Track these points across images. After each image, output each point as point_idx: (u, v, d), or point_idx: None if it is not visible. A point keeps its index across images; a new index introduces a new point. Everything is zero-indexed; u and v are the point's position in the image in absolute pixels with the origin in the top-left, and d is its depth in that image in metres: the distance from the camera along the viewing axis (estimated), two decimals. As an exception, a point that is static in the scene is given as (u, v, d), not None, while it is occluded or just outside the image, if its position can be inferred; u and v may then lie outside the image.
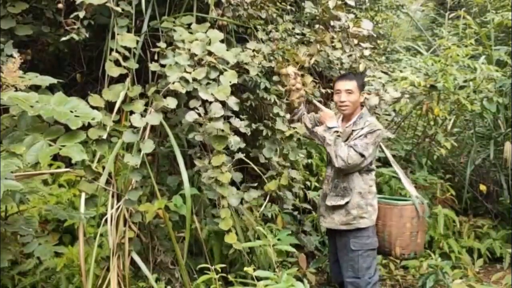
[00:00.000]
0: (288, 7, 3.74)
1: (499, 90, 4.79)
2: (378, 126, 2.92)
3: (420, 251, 3.11)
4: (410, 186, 3.13)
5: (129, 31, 3.03)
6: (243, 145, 2.97)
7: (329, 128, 2.95)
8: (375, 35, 4.17)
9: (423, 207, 3.05)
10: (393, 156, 5.19)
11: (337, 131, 2.92)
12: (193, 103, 2.89)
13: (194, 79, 2.86)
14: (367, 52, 3.53)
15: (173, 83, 2.81)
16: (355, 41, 3.52)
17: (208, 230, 3.27)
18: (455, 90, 4.70)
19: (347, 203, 2.93)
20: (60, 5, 2.94)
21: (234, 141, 2.90)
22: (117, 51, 2.90)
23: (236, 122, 2.96)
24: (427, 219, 4.49)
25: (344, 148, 2.85)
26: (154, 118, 2.80)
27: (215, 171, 2.86)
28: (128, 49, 2.98)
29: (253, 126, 3.32)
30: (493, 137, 5.01)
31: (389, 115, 5.69)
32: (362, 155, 2.82)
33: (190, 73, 2.87)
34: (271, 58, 3.41)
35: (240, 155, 3.00)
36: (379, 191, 4.42)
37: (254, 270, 2.42)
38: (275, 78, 3.53)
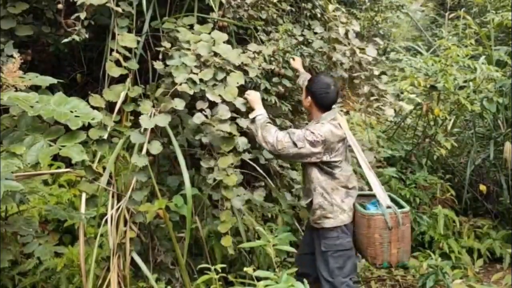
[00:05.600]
0: (288, 8, 3.74)
1: (499, 90, 4.79)
2: (321, 132, 2.81)
3: (398, 261, 2.88)
4: (383, 195, 2.90)
5: (129, 31, 3.04)
6: (249, 145, 2.97)
7: (253, 119, 2.89)
8: (378, 58, 4.24)
9: (396, 218, 2.81)
10: (393, 156, 5.21)
11: (261, 118, 2.87)
12: (200, 104, 2.89)
13: (201, 80, 2.87)
14: (376, 72, 3.64)
15: (180, 84, 2.81)
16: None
17: (208, 230, 3.28)
18: (455, 90, 4.70)
19: (311, 203, 2.93)
20: (59, 6, 2.94)
21: (242, 142, 2.91)
22: (117, 52, 2.91)
23: (243, 122, 2.96)
24: (427, 220, 4.51)
25: (275, 134, 2.79)
26: (162, 120, 2.80)
27: (221, 173, 2.85)
28: (129, 50, 2.99)
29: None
30: (493, 137, 5.01)
31: (388, 115, 5.69)
32: (295, 144, 2.77)
33: (197, 74, 2.88)
34: (272, 59, 3.42)
35: (248, 155, 3.00)
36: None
37: (254, 270, 2.42)
38: (275, 79, 3.54)
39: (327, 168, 2.87)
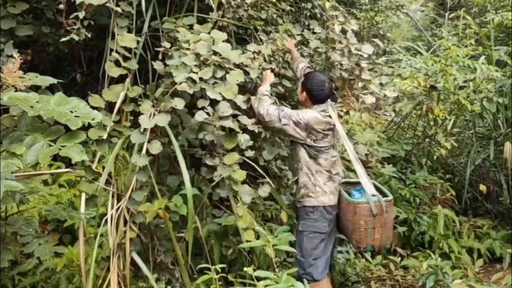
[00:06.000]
0: (288, 8, 3.74)
1: (499, 90, 4.79)
2: (305, 116, 3.06)
3: (381, 245, 3.11)
4: (369, 184, 3.08)
5: (129, 31, 3.04)
6: (251, 142, 3.01)
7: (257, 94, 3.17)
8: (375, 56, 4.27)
9: (380, 206, 2.99)
10: (393, 156, 5.21)
11: (260, 92, 3.14)
12: (201, 102, 2.92)
13: (201, 79, 2.88)
14: (364, 64, 3.72)
15: (180, 83, 2.82)
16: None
17: (208, 230, 3.28)
18: (455, 90, 4.70)
19: (296, 181, 3.17)
20: (61, 6, 2.94)
21: (244, 139, 2.94)
22: (117, 52, 2.91)
23: (244, 119, 2.99)
24: (427, 220, 4.51)
25: (267, 106, 3.06)
26: (162, 119, 2.81)
27: (227, 169, 2.89)
28: (129, 50, 2.99)
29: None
30: (493, 137, 5.01)
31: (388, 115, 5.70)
32: (280, 119, 3.04)
33: (196, 73, 2.89)
34: (272, 59, 3.42)
35: (251, 153, 3.05)
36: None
37: (254, 270, 2.42)
38: (275, 79, 3.54)
39: (312, 151, 3.10)
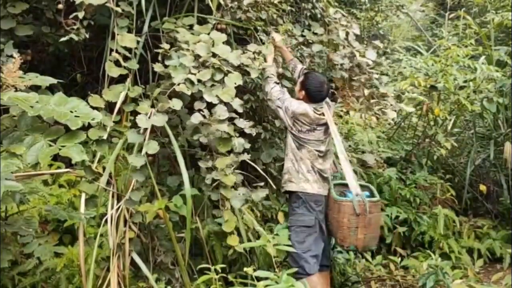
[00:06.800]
0: (288, 8, 3.74)
1: (499, 90, 4.79)
2: (295, 105, 3.19)
3: (364, 246, 3.15)
4: (354, 184, 3.15)
5: (129, 31, 3.03)
6: (247, 146, 2.99)
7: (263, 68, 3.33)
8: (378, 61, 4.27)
9: (363, 206, 3.06)
10: (393, 156, 5.21)
11: (266, 71, 3.32)
12: (198, 104, 2.90)
13: (199, 81, 2.87)
14: (376, 76, 3.78)
15: (178, 84, 2.81)
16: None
17: (209, 231, 3.27)
18: (455, 91, 4.71)
19: (282, 166, 3.35)
20: (60, 6, 2.94)
21: (238, 143, 2.93)
22: (117, 52, 2.91)
23: (240, 123, 2.98)
24: (427, 220, 4.51)
25: (272, 85, 3.28)
26: (159, 120, 2.80)
27: (219, 173, 2.87)
28: (129, 50, 2.98)
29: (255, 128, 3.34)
30: (493, 137, 5.02)
31: (389, 115, 5.69)
32: (277, 100, 3.24)
33: (195, 74, 2.88)
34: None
35: (246, 156, 3.02)
36: (379, 191, 4.43)
37: (254, 270, 2.43)
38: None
39: (296, 141, 3.22)
